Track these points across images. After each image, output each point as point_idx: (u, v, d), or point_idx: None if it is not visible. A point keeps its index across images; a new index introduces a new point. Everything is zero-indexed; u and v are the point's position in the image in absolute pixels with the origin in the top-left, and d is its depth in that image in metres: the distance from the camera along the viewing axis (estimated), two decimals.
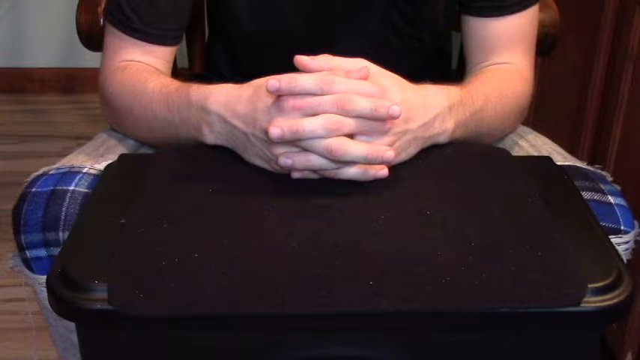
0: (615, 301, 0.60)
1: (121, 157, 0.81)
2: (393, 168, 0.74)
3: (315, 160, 0.71)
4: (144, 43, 0.90)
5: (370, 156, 0.71)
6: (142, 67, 0.89)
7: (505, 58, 0.91)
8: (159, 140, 0.86)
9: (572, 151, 0.92)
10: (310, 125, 0.70)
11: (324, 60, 0.74)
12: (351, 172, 0.72)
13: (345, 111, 0.70)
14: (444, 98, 0.78)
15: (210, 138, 0.78)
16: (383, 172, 0.73)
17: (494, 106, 0.85)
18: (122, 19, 0.89)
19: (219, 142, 0.78)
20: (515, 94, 0.89)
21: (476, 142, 0.84)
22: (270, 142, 0.72)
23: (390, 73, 0.76)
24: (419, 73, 0.87)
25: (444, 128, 0.78)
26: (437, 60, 1.04)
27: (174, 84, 0.84)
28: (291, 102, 0.70)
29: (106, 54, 0.93)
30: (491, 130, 0.87)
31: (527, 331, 0.62)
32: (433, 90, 0.79)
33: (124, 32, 0.90)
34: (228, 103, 0.76)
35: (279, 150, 0.72)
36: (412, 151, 0.77)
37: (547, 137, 0.97)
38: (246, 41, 0.98)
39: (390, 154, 0.71)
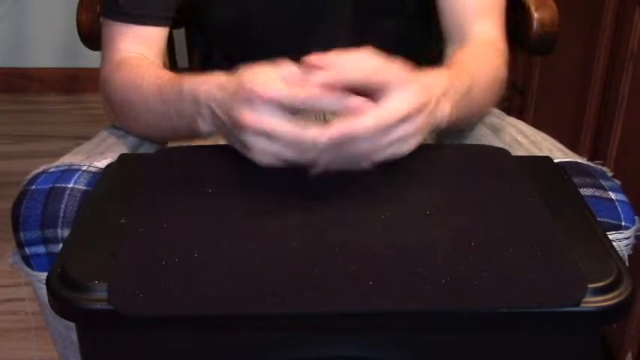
0: (615, 301, 0.60)
1: (121, 156, 0.81)
2: (393, 168, 0.74)
3: (284, 154, 0.70)
4: (135, 27, 0.91)
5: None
6: (140, 60, 0.90)
7: (479, 28, 0.92)
8: (158, 134, 0.86)
9: (572, 150, 0.92)
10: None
11: (331, 59, 0.72)
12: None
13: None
14: (441, 83, 0.78)
15: (204, 128, 0.78)
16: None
17: (480, 84, 0.85)
18: (112, 6, 0.92)
19: (213, 131, 0.77)
20: (494, 68, 0.89)
21: (466, 123, 0.83)
22: (241, 130, 0.71)
23: (394, 60, 0.74)
24: (399, 42, 0.86)
25: (444, 113, 0.78)
26: (418, 27, 1.04)
27: (167, 75, 0.84)
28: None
29: (103, 50, 0.94)
30: (479, 108, 0.87)
31: (527, 331, 0.62)
32: (432, 76, 0.77)
33: (115, 19, 0.92)
34: (214, 93, 0.75)
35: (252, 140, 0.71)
36: (417, 141, 0.74)
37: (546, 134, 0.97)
38: (218, 29, 0.99)
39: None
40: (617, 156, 1.31)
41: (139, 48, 0.92)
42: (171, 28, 1.13)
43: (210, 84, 0.76)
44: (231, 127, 0.73)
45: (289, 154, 0.70)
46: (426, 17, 1.05)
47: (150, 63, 0.90)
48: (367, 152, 0.70)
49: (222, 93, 0.74)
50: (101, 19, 0.94)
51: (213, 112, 0.76)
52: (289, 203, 0.70)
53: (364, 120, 0.68)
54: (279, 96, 0.69)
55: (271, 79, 0.70)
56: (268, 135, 0.70)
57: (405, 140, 0.71)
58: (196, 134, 0.80)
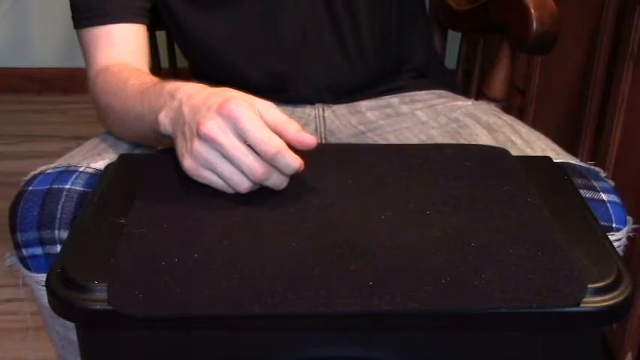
0: (615, 301, 0.60)
1: (121, 157, 0.81)
2: (393, 169, 0.74)
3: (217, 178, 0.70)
4: (102, 28, 0.93)
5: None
6: (123, 66, 0.91)
7: None
8: (133, 136, 0.87)
9: (571, 151, 0.92)
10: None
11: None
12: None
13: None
14: None
15: (162, 117, 0.75)
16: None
17: None
18: (77, 16, 0.94)
19: (167, 124, 0.75)
20: None
21: None
22: (196, 134, 0.70)
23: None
24: None
25: None
26: None
27: (154, 81, 0.84)
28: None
29: (84, 60, 0.96)
30: None
31: (528, 331, 0.62)
32: None
33: (82, 26, 0.93)
34: (193, 94, 0.74)
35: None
36: None
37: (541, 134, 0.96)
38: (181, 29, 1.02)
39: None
40: (617, 156, 1.31)
41: (115, 49, 0.92)
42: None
43: (194, 86, 0.75)
44: (189, 128, 0.71)
45: (225, 170, 0.69)
46: None
47: (135, 70, 0.90)
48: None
49: (200, 96, 0.72)
50: (77, 33, 0.96)
51: (179, 107, 0.73)
52: (289, 203, 0.70)
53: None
54: (252, 132, 0.68)
55: (254, 113, 0.69)
56: (217, 146, 0.68)
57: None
58: (155, 132, 0.78)
